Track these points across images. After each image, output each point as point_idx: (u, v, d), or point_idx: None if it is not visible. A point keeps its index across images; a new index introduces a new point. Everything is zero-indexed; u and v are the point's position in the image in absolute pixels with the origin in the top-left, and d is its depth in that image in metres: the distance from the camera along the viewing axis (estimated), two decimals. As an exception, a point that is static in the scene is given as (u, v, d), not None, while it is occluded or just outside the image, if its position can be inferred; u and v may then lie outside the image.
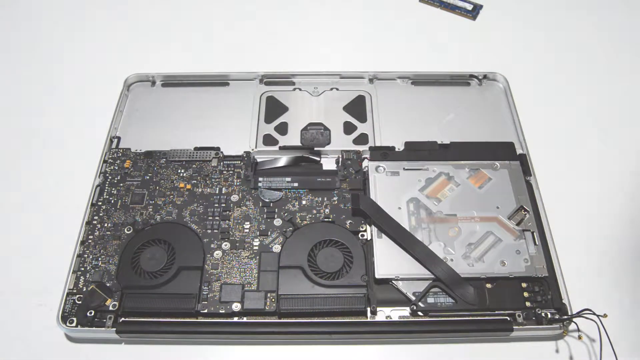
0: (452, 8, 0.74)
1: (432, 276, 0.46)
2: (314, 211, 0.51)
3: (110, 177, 0.54)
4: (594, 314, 0.42)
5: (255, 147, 0.57)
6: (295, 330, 0.45)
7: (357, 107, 0.61)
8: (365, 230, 0.50)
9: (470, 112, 0.60)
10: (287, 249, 0.49)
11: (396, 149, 0.55)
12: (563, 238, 0.50)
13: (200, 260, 0.48)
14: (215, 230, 0.50)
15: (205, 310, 0.45)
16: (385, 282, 0.47)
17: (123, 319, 0.45)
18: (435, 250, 0.47)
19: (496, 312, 0.45)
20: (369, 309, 0.45)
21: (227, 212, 0.51)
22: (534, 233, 0.49)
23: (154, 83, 0.63)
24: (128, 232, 0.50)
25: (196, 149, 0.56)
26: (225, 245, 0.49)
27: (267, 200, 0.52)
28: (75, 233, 0.50)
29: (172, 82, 0.63)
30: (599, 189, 0.56)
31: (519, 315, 0.45)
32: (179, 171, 0.54)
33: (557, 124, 0.61)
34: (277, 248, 0.49)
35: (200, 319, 0.45)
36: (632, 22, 0.73)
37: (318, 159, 0.56)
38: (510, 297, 0.46)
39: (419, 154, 0.54)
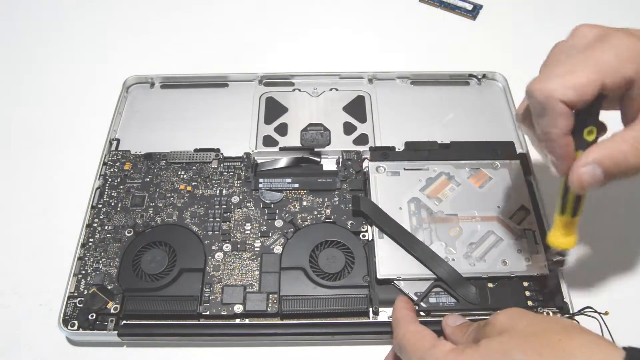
0: (452, 8, 0.74)
1: (434, 276, 0.46)
2: (315, 212, 0.51)
3: (110, 180, 0.53)
4: (596, 311, 0.42)
5: (255, 148, 0.56)
6: (297, 331, 0.45)
7: (356, 108, 0.60)
8: (366, 231, 0.50)
9: (469, 111, 0.60)
10: (288, 250, 0.48)
11: (396, 149, 0.55)
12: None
13: (201, 262, 0.48)
14: (216, 232, 0.50)
15: (207, 312, 0.45)
16: (387, 282, 0.47)
17: (124, 321, 0.45)
18: (436, 250, 0.47)
19: (498, 311, 0.45)
20: (371, 309, 0.45)
21: (228, 213, 0.51)
22: (535, 232, 0.49)
23: (153, 85, 0.63)
24: (129, 235, 0.50)
25: (196, 150, 0.56)
26: (227, 247, 0.49)
27: (267, 202, 0.52)
28: (76, 236, 0.50)
29: (171, 83, 0.63)
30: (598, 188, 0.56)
31: (521, 315, 0.45)
32: (179, 173, 0.54)
33: (556, 122, 0.61)
34: (278, 249, 0.49)
35: (202, 321, 0.45)
36: (633, 22, 0.72)
37: (318, 159, 0.56)
38: (512, 297, 0.46)
39: (419, 153, 0.54)
